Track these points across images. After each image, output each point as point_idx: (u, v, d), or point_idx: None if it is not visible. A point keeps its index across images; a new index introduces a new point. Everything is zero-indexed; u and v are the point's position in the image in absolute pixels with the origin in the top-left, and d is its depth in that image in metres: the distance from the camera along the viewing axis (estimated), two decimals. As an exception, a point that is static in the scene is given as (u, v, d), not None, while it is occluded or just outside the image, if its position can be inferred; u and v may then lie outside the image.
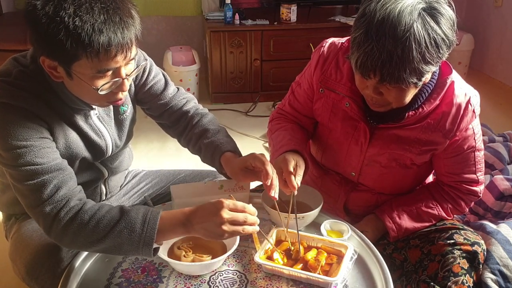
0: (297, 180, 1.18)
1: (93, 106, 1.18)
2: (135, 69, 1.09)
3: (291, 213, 1.18)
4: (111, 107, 1.26)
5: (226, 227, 0.98)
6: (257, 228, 1.03)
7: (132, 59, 1.05)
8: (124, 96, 1.12)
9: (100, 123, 1.23)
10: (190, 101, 1.40)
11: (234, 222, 0.99)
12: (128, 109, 1.30)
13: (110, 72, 1.02)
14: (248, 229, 1.00)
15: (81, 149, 1.19)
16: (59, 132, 1.12)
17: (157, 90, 1.34)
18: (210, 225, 0.99)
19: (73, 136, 1.17)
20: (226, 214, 0.98)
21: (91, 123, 1.21)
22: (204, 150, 1.31)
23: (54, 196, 1.02)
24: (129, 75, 1.07)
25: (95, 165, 1.30)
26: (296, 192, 1.18)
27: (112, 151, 1.30)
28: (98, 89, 1.02)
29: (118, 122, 1.29)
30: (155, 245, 1.02)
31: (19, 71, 1.07)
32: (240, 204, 1.01)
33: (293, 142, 1.32)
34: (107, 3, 0.96)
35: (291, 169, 1.19)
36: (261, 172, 1.15)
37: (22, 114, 1.03)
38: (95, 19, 0.94)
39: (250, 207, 1.03)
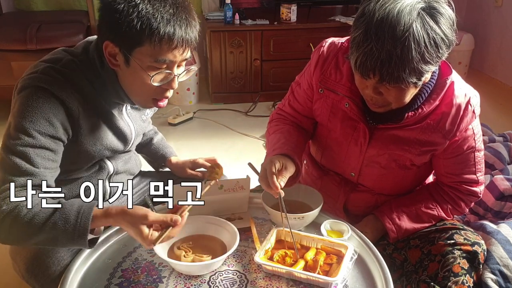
0: (279, 181, 1.18)
1: (127, 103, 1.25)
2: (185, 71, 1.17)
3: (282, 213, 1.18)
4: (140, 108, 1.33)
5: (142, 238, 1.02)
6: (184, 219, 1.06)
7: (185, 60, 1.14)
8: (169, 96, 1.19)
9: (129, 118, 1.31)
10: (157, 133, 1.60)
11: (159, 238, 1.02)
12: (150, 113, 1.41)
13: (165, 66, 1.10)
14: (175, 231, 1.05)
15: (106, 144, 1.24)
16: (87, 129, 1.17)
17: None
18: (131, 232, 1.03)
19: (103, 131, 1.23)
20: (144, 228, 1.01)
21: (122, 116, 1.28)
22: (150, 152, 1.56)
23: (5, 190, 1.04)
24: (180, 75, 1.15)
25: (103, 161, 1.33)
26: (282, 193, 1.18)
27: (131, 145, 1.36)
28: (151, 77, 1.09)
29: (142, 121, 1.38)
30: (91, 236, 1.05)
31: (69, 60, 1.15)
32: (160, 216, 1.03)
33: (286, 146, 1.32)
34: (178, 0, 1.08)
35: (274, 170, 1.19)
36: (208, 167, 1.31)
37: (54, 105, 1.08)
38: (166, 10, 1.05)
39: (170, 218, 1.04)
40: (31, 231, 1.03)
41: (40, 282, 1.15)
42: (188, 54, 1.13)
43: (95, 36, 1.18)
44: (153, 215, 1.02)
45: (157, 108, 1.37)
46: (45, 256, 1.15)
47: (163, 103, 1.20)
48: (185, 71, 1.17)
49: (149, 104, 1.20)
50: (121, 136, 1.29)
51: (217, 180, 1.23)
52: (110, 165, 1.34)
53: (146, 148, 1.58)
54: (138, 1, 1.04)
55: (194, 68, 1.23)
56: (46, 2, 3.58)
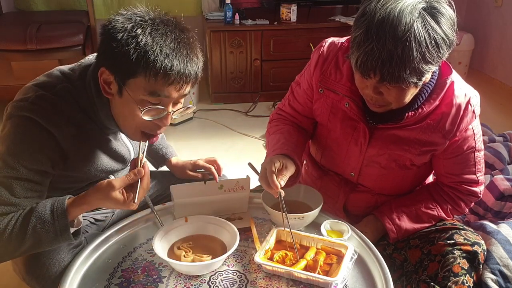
0: (279, 180, 1.18)
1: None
2: (181, 108, 1.13)
3: (283, 213, 1.18)
4: None
5: (133, 205, 1.06)
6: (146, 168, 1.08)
7: (183, 97, 1.10)
8: (161, 133, 1.16)
9: (127, 140, 1.30)
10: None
11: (134, 197, 1.05)
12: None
13: (159, 102, 1.06)
14: (145, 182, 1.07)
15: (102, 167, 1.23)
16: (78, 157, 1.15)
17: None
18: (109, 205, 1.06)
19: (97, 156, 1.20)
20: (117, 195, 1.03)
21: (118, 139, 1.26)
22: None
23: None
24: (174, 112, 1.11)
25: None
26: (283, 193, 1.17)
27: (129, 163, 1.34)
28: (142, 111, 1.05)
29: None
30: (73, 229, 1.07)
31: (63, 87, 1.11)
32: (119, 182, 1.04)
33: (285, 146, 1.31)
34: (181, 36, 1.05)
35: (274, 170, 1.19)
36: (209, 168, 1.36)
37: (41, 137, 1.06)
38: (166, 44, 1.02)
39: (129, 177, 1.06)
40: (15, 244, 1.04)
41: (40, 283, 1.15)
42: (187, 90, 1.09)
43: (95, 55, 1.15)
44: (117, 181, 1.04)
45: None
46: (45, 258, 1.15)
47: (155, 139, 1.17)
48: (183, 109, 1.13)
49: (137, 137, 1.15)
50: (118, 158, 1.27)
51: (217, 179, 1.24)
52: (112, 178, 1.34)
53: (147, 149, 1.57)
54: (139, 32, 1.01)
55: (192, 107, 1.20)
56: (46, 2, 3.57)
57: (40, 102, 1.07)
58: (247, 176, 1.33)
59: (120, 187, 1.04)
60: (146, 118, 1.07)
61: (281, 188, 1.18)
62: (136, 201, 1.05)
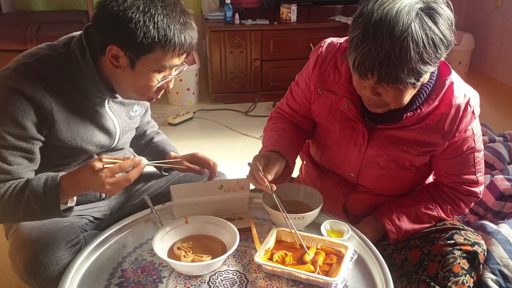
0: (266, 175, 1.19)
1: (108, 97, 1.26)
2: (176, 71, 1.22)
3: (280, 210, 1.18)
4: (128, 102, 1.35)
5: (109, 185, 1.09)
6: (143, 163, 1.13)
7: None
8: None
9: (111, 113, 1.31)
10: (160, 134, 1.61)
11: (112, 175, 1.09)
12: (139, 110, 1.41)
13: (168, 69, 1.16)
14: (133, 173, 1.11)
15: (88, 139, 1.25)
16: (64, 125, 1.18)
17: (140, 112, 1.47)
18: (95, 187, 1.10)
19: (83, 126, 1.23)
20: (103, 174, 1.07)
21: (104, 111, 1.28)
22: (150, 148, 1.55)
23: None
24: (176, 75, 1.22)
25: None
26: (274, 187, 1.18)
27: (117, 142, 1.36)
28: (158, 81, 1.16)
29: (129, 118, 1.38)
30: (65, 206, 1.14)
31: (47, 54, 1.16)
32: (108, 157, 1.10)
33: (277, 143, 1.32)
34: (182, 9, 1.14)
35: (258, 165, 1.20)
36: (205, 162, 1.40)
37: (22, 104, 1.09)
38: (177, 20, 1.10)
39: (120, 158, 1.11)
40: (10, 211, 1.12)
41: (39, 282, 1.15)
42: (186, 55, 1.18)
43: (79, 32, 1.20)
44: (105, 156, 1.11)
45: (147, 105, 1.48)
46: (44, 256, 1.15)
47: (157, 99, 1.25)
48: (180, 69, 1.23)
49: (142, 99, 1.26)
50: (105, 131, 1.29)
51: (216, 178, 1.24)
52: None
53: (148, 147, 1.57)
54: (153, 12, 1.07)
55: (185, 67, 1.25)
56: (46, 2, 3.58)
57: (21, 69, 1.11)
58: (247, 176, 1.33)
59: (104, 161, 1.08)
60: (158, 85, 1.17)
61: (270, 182, 1.19)
62: (111, 181, 1.08)
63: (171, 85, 1.22)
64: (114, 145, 1.36)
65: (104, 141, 1.30)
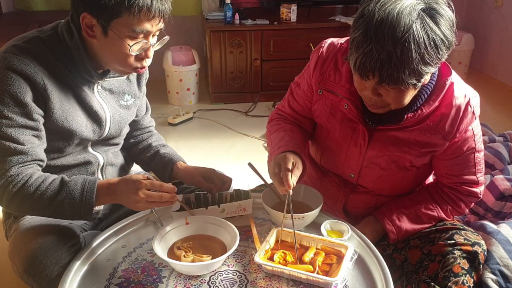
0: (292, 180, 1.18)
1: (96, 80, 1.26)
2: (158, 43, 1.23)
3: (286, 213, 1.18)
4: (117, 91, 1.35)
5: (141, 205, 1.12)
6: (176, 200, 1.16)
7: (159, 30, 1.20)
8: (147, 65, 1.24)
9: (101, 99, 1.31)
10: (166, 146, 1.56)
11: (149, 200, 1.12)
12: (131, 100, 1.40)
13: (142, 36, 1.16)
14: (163, 204, 1.15)
15: (79, 121, 1.25)
16: (57, 102, 1.19)
17: (141, 111, 1.50)
18: (128, 201, 1.13)
19: (73, 107, 1.24)
20: (142, 194, 1.11)
21: (94, 95, 1.29)
22: (157, 159, 1.51)
23: (8, 172, 1.13)
24: (154, 45, 1.21)
25: (89, 151, 1.35)
26: (291, 192, 1.17)
27: (108, 130, 1.35)
28: (130, 47, 1.15)
29: (120, 107, 1.37)
30: (94, 210, 1.15)
31: (35, 36, 1.19)
32: (157, 183, 1.13)
33: (291, 143, 1.31)
34: None
35: (289, 167, 1.19)
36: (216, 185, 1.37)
37: (17, 82, 1.12)
38: None
39: (167, 186, 1.14)
40: (39, 208, 1.14)
41: (38, 282, 1.15)
42: (162, 24, 1.19)
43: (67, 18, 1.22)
44: (147, 182, 1.12)
45: (142, 94, 1.45)
46: (43, 256, 1.15)
47: (142, 70, 1.25)
48: (159, 42, 1.23)
49: (128, 71, 1.24)
50: (94, 116, 1.29)
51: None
52: (99, 156, 1.37)
53: (155, 159, 1.51)
54: None
55: (167, 38, 1.27)
56: (46, 2, 3.58)
57: (12, 50, 1.15)
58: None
59: (147, 188, 1.11)
60: (134, 53, 1.18)
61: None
62: (144, 205, 1.12)
63: (149, 54, 1.21)
64: (106, 133, 1.35)
65: (94, 127, 1.30)
